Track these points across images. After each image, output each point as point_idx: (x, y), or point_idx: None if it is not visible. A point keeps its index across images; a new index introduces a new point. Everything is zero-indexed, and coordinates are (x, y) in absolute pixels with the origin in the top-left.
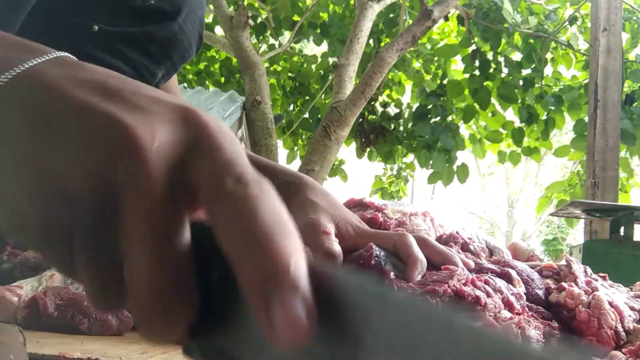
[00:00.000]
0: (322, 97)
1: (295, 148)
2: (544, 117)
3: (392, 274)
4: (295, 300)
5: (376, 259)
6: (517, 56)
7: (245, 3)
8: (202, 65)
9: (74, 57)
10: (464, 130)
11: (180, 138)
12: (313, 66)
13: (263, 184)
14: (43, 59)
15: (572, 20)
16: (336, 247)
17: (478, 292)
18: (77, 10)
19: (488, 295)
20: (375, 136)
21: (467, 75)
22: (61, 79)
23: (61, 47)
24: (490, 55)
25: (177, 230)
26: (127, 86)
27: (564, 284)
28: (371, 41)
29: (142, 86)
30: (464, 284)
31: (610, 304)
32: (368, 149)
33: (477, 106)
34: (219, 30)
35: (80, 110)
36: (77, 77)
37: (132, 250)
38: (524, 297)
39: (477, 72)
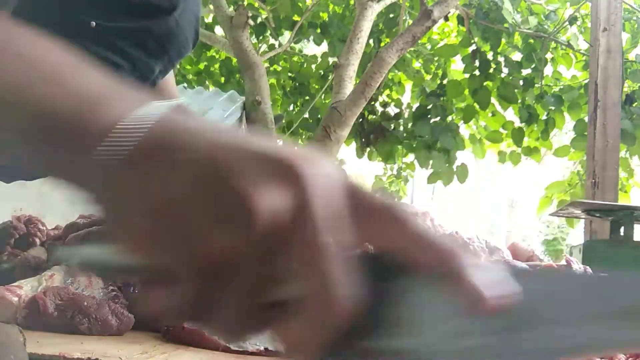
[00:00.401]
0: (322, 97)
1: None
2: (544, 117)
3: None
4: None
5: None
6: (517, 56)
7: (245, 3)
8: (202, 65)
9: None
10: (464, 130)
11: (287, 205)
12: (313, 66)
13: None
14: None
15: (572, 20)
16: None
17: None
18: (74, 6)
19: None
20: (375, 136)
21: (467, 75)
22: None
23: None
24: (490, 55)
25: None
26: (239, 145)
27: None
28: (371, 41)
29: (249, 140)
30: None
31: None
32: (368, 149)
33: (477, 106)
34: (219, 30)
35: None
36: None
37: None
38: None
39: (477, 72)
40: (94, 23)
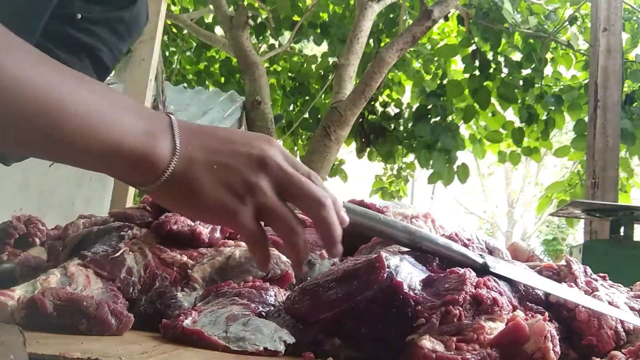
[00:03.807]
0: (322, 97)
1: (295, 148)
2: (544, 117)
3: (405, 284)
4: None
5: (388, 271)
6: (517, 56)
7: (245, 3)
8: (202, 65)
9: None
10: (464, 130)
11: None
12: (313, 66)
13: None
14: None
15: (572, 20)
16: None
17: (494, 294)
18: (61, 1)
19: (500, 294)
20: (375, 136)
21: (467, 75)
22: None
23: (50, 34)
24: (490, 55)
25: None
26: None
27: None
28: (371, 41)
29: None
30: (477, 286)
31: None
32: (368, 149)
33: (477, 106)
34: (219, 30)
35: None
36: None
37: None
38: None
39: (477, 72)
40: (79, 15)
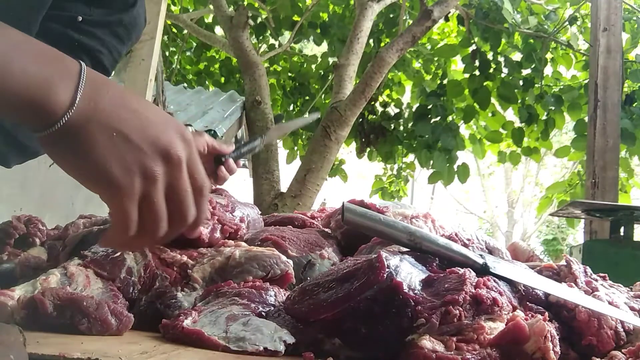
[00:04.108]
0: (322, 97)
1: (295, 148)
2: (544, 117)
3: (404, 285)
4: None
5: (388, 271)
6: (517, 56)
7: (245, 3)
8: (202, 65)
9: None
10: (464, 130)
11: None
12: (313, 66)
13: None
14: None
15: (572, 20)
16: None
17: (494, 294)
18: (62, 4)
19: (500, 294)
20: (375, 136)
21: (467, 75)
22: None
23: (51, 36)
24: (490, 55)
25: None
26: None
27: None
28: (371, 41)
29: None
30: (477, 287)
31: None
32: (368, 149)
33: (477, 106)
34: (219, 30)
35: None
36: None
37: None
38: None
39: (477, 72)
40: (80, 17)
